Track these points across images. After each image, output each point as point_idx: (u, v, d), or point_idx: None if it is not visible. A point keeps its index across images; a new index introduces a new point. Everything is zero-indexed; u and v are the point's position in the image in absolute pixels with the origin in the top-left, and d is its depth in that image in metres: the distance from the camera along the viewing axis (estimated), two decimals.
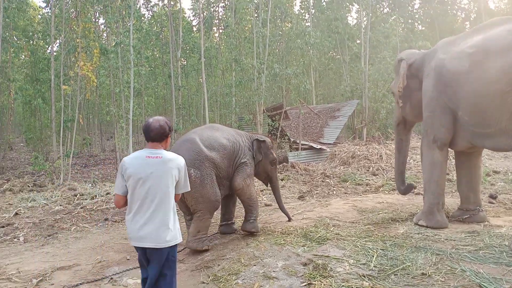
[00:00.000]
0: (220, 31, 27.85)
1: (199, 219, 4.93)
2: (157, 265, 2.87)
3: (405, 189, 6.59)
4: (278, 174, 7.86)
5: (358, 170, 11.72)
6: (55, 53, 12.98)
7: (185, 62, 23.22)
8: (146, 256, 2.91)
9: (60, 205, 8.05)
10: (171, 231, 2.86)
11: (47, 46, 17.46)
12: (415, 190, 8.26)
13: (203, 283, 4.02)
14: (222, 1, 26.08)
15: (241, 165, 5.42)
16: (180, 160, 2.96)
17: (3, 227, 6.55)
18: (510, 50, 4.55)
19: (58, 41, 13.99)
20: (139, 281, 4.08)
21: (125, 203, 2.94)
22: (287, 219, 6.20)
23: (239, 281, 3.96)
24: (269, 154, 5.80)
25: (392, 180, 10.12)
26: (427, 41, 20.15)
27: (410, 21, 30.90)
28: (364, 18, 22.03)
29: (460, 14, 32.28)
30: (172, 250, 2.92)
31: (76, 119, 12.49)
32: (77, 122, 12.78)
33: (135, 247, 2.96)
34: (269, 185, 6.15)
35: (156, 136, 2.88)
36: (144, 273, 3.01)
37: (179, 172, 2.92)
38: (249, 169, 5.49)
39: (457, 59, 5.19)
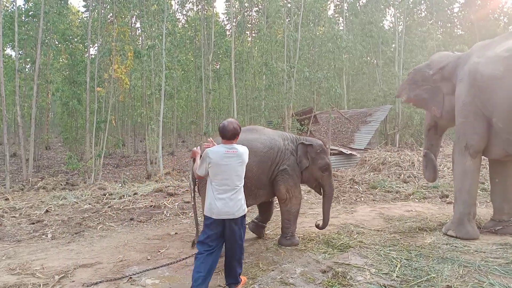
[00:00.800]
0: (253, 35, 27.97)
1: None
2: (234, 233, 3.68)
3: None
4: None
5: (388, 176, 11.41)
6: (91, 56, 13.40)
7: (218, 66, 23.47)
8: (223, 227, 3.66)
9: (89, 204, 8.24)
10: (242, 205, 3.70)
11: (85, 49, 18.06)
12: (447, 199, 7.97)
13: (219, 286, 3.98)
14: (256, 5, 26.20)
15: (281, 173, 4.97)
16: (247, 150, 3.77)
17: (33, 223, 6.76)
18: None
19: (96, 44, 14.45)
20: (157, 281, 4.14)
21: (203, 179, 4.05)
22: (309, 224, 6.07)
23: (255, 286, 3.89)
24: (318, 159, 5.17)
25: (423, 188, 9.80)
26: (465, 45, 19.49)
27: (448, 25, 30.01)
28: (400, 22, 21.55)
29: (502, 19, 31.04)
30: (243, 218, 3.73)
31: (109, 120, 12.81)
32: (110, 123, 13.13)
33: (212, 220, 3.65)
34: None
35: (231, 136, 3.71)
36: (212, 244, 3.66)
37: (245, 159, 3.72)
38: (293, 178, 5.00)
39: (492, 63, 4.95)
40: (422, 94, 6.08)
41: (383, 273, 4.09)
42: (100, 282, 4.15)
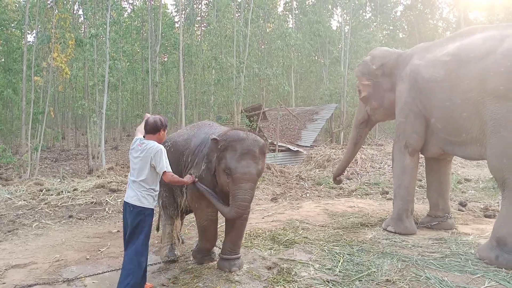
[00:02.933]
0: (202, 28, 27.59)
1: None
2: (131, 220, 3.66)
3: (339, 180, 7.06)
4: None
5: (332, 173, 11.70)
6: (28, 43, 12.59)
7: (166, 59, 22.92)
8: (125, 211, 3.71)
9: (24, 200, 7.73)
10: (141, 199, 3.63)
11: (22, 36, 16.96)
12: (387, 195, 8.32)
13: (163, 285, 3.88)
14: None
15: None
16: (156, 147, 3.62)
17: None
18: (483, 59, 4.54)
19: (34, 31, 13.58)
20: (97, 281, 3.96)
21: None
22: (256, 221, 6.09)
23: (200, 284, 3.83)
24: (222, 159, 3.73)
25: (365, 184, 10.17)
26: (406, 48, 20.41)
27: (391, 27, 31.32)
28: (346, 23, 22.17)
29: (441, 24, 32.87)
30: (141, 212, 3.65)
31: (47, 111, 12.11)
32: (48, 115, 12.42)
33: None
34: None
35: (149, 130, 3.73)
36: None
37: (154, 156, 3.60)
38: (196, 188, 3.96)
39: (432, 66, 5.16)
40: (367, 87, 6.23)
41: (327, 269, 4.18)
42: (34, 284, 3.90)
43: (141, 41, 21.73)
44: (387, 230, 5.59)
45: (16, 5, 19.76)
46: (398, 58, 5.90)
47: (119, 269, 3.70)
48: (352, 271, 4.10)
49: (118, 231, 5.79)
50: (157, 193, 3.78)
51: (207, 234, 4.23)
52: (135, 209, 3.60)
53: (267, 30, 21.85)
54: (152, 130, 3.73)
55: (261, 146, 3.79)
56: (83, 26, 19.07)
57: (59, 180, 10.11)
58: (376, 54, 6.21)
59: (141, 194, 3.62)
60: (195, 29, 25.54)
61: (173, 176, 3.71)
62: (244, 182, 3.66)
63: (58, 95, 20.27)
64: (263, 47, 22.53)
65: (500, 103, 4.32)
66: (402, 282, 3.83)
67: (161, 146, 3.69)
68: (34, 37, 13.44)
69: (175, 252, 4.52)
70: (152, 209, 3.70)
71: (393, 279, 3.90)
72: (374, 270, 4.12)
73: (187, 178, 3.90)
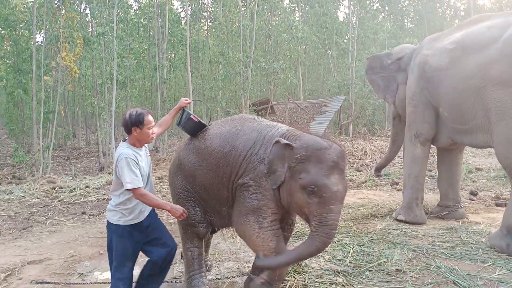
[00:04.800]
0: (209, 24, 27.57)
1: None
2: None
3: (378, 175, 7.15)
4: None
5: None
6: (37, 43, 12.72)
7: (173, 55, 22.97)
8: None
9: (37, 198, 7.88)
10: (110, 212, 3.04)
11: (31, 36, 17.12)
12: (397, 186, 8.30)
13: (175, 278, 3.94)
14: None
15: (241, 189, 3.13)
16: (118, 153, 2.94)
17: None
18: (486, 46, 4.54)
19: (42, 31, 13.72)
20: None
21: None
22: None
23: (211, 276, 3.88)
24: (300, 172, 2.85)
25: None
26: (415, 37, 20.22)
27: (399, 17, 30.97)
28: (354, 14, 22.00)
29: (449, 12, 32.44)
30: (110, 225, 3.08)
31: (58, 110, 12.26)
32: (59, 114, 12.56)
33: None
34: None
35: (124, 128, 3.01)
36: None
37: (116, 165, 2.93)
38: (254, 198, 3.04)
39: (439, 55, 5.19)
40: (378, 80, 6.29)
41: (337, 259, 4.21)
42: (49, 282, 3.99)
43: (148, 38, 21.77)
44: (397, 220, 5.61)
45: (24, 6, 19.92)
46: (412, 52, 5.92)
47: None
48: (362, 262, 4.13)
49: None
50: (129, 209, 2.98)
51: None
52: (110, 225, 3.06)
53: (274, 23, 21.75)
54: (125, 129, 3.00)
55: (344, 156, 2.98)
56: (90, 25, 19.16)
57: (71, 177, 10.26)
58: (395, 50, 6.38)
59: (115, 208, 2.99)
60: (202, 24, 25.55)
61: (144, 196, 2.86)
62: (335, 203, 2.81)
63: (68, 94, 20.46)
64: (270, 40, 22.43)
65: (503, 89, 4.31)
66: (413, 272, 3.84)
67: (125, 152, 2.88)
68: (42, 37, 13.57)
69: (205, 282, 3.53)
70: (118, 226, 2.99)
71: (403, 268, 3.91)
72: (384, 260, 4.14)
73: (175, 208, 2.95)
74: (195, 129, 3.45)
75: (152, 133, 3.02)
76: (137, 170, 2.87)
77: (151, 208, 3.11)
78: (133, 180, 2.81)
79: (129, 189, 2.82)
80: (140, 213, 3.02)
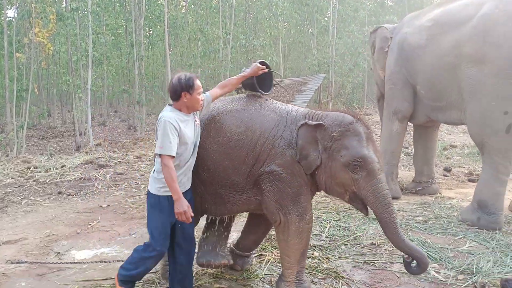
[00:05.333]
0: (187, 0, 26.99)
1: None
2: None
3: None
4: None
5: None
6: (8, 19, 12.23)
7: (150, 32, 22.41)
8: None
9: (12, 178, 7.69)
10: (152, 181, 2.87)
11: (1, 11, 16.46)
12: None
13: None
14: None
15: (268, 177, 2.87)
16: (160, 117, 2.74)
17: None
18: (462, 24, 4.59)
19: (14, 6, 13.20)
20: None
21: None
22: None
23: None
24: (339, 150, 2.75)
25: None
26: (395, 15, 20.23)
27: None
28: None
29: None
30: (149, 194, 2.91)
31: (31, 89, 11.91)
32: (33, 92, 12.20)
33: None
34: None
35: (170, 94, 2.81)
36: None
37: (156, 129, 2.76)
38: (290, 186, 2.85)
39: (417, 33, 5.23)
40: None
41: (314, 234, 4.29)
42: (25, 261, 3.95)
43: (124, 13, 21.16)
44: None
45: None
46: (393, 31, 5.89)
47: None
48: (338, 236, 4.24)
49: (108, 205, 5.84)
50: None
51: (302, 252, 3.05)
52: (149, 195, 2.90)
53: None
54: (172, 95, 2.80)
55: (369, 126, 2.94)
56: (64, 0, 18.52)
57: (46, 157, 10.05)
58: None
59: (156, 175, 2.82)
60: (180, 0, 24.96)
61: (167, 168, 2.62)
62: (381, 172, 2.75)
63: (42, 72, 19.83)
64: (250, 17, 22.14)
65: (476, 67, 4.38)
66: (386, 245, 3.96)
67: (166, 115, 2.70)
68: (14, 12, 13.08)
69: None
70: (154, 195, 2.83)
71: (377, 242, 4.03)
72: (360, 234, 4.26)
73: (180, 204, 2.65)
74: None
75: (201, 99, 2.82)
76: (175, 137, 2.65)
77: (190, 183, 2.92)
78: (165, 145, 2.61)
79: (158, 154, 2.65)
80: (181, 184, 2.78)
